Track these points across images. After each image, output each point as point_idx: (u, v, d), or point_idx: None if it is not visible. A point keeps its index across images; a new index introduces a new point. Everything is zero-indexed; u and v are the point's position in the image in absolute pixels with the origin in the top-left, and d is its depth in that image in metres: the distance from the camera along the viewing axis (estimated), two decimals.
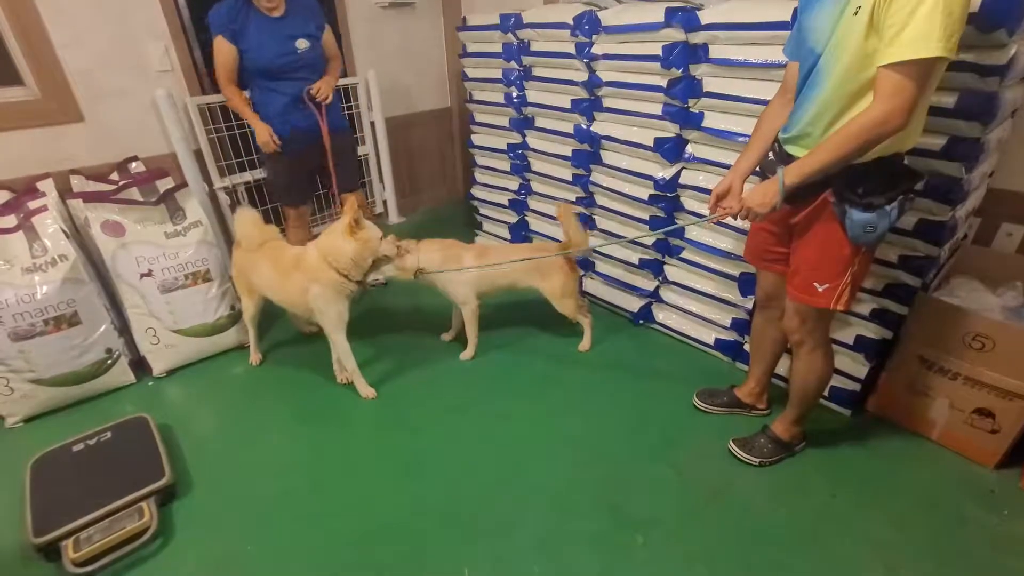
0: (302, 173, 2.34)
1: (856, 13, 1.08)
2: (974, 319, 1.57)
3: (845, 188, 1.22)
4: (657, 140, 2.04)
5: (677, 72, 1.91)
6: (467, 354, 2.23)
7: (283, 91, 2.15)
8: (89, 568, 1.37)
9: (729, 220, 1.38)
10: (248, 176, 2.82)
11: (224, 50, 2.04)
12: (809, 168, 1.19)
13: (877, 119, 1.08)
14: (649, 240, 2.22)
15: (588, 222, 2.49)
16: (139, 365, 2.16)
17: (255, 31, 2.04)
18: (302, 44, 2.11)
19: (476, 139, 2.96)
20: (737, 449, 1.70)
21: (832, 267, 1.33)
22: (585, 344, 2.26)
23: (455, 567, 1.39)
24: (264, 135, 2.14)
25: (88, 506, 1.47)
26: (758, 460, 1.67)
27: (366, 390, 2.01)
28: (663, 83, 1.96)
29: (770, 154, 1.41)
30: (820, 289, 1.35)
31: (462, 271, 2.04)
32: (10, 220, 1.87)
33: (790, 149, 1.33)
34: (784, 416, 1.67)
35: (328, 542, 1.48)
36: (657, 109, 2.02)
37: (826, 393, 1.86)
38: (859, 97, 1.15)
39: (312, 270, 1.83)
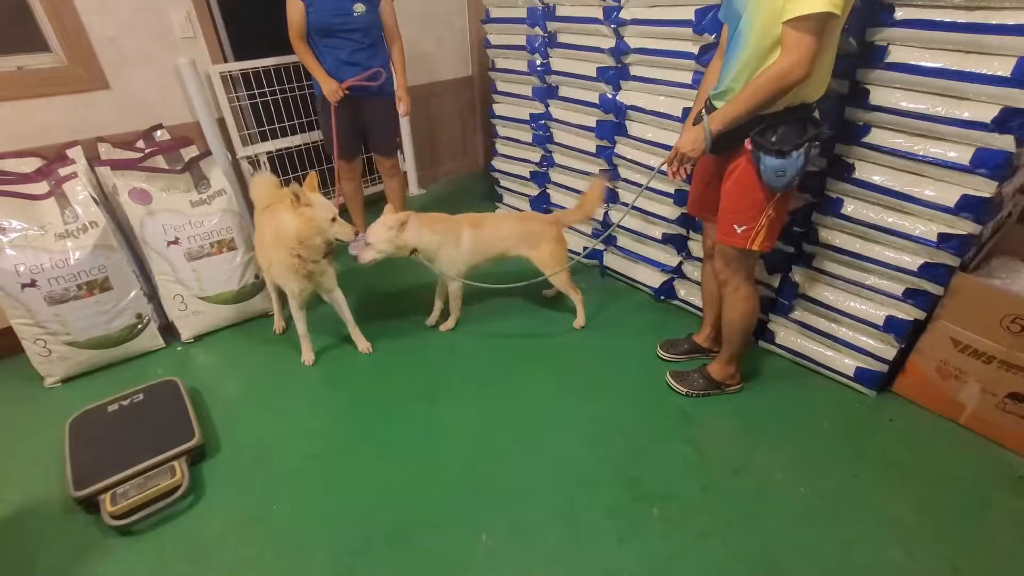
0: (348, 128, 2.46)
1: None
2: (1015, 301, 1.51)
3: (760, 136, 1.35)
4: (686, 111, 1.97)
5: (710, 38, 1.83)
6: (448, 325, 2.25)
7: (336, 48, 2.30)
8: (125, 521, 1.44)
9: (666, 167, 1.56)
10: (271, 145, 2.83)
11: (295, 7, 2.21)
12: (729, 115, 1.33)
13: (782, 70, 1.21)
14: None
15: (611, 195, 2.45)
16: (168, 330, 2.23)
17: None
18: (359, 8, 2.26)
19: (498, 109, 2.91)
20: (671, 380, 1.87)
21: (748, 211, 1.47)
22: (579, 321, 2.23)
23: (473, 531, 1.43)
24: (330, 87, 2.29)
25: (123, 463, 1.54)
26: (685, 391, 1.84)
27: (363, 344, 2.12)
28: (695, 50, 1.89)
29: (703, 111, 1.47)
30: (739, 231, 1.50)
31: (458, 246, 2.02)
32: (42, 187, 1.91)
33: (717, 104, 1.43)
34: (720, 357, 1.81)
35: (349, 503, 1.52)
36: (687, 78, 1.95)
37: (851, 373, 1.83)
38: (772, 53, 1.25)
39: (268, 247, 1.86)
